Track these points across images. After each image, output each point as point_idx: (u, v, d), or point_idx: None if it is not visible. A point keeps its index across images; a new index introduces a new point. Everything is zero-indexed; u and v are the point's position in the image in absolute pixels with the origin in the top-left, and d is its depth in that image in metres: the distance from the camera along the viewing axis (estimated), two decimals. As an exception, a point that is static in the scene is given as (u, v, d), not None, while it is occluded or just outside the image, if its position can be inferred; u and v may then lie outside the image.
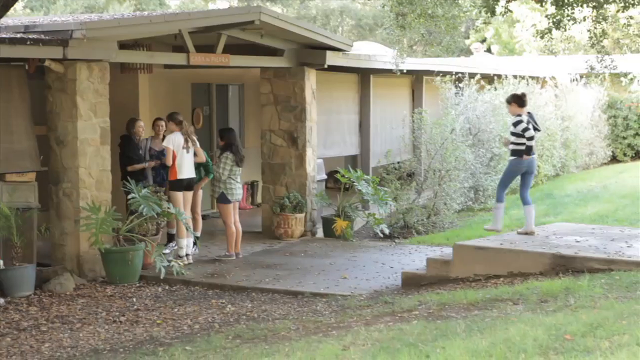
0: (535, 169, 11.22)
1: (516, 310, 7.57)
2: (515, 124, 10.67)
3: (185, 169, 11.94)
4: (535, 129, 10.78)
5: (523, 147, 10.59)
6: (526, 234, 10.67)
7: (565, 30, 12.48)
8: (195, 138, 12.17)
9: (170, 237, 12.43)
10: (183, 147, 11.89)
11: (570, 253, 9.28)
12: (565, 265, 9.11)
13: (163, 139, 12.35)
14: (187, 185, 12.02)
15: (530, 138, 10.54)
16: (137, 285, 10.88)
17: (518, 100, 10.86)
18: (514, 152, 10.70)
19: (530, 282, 8.81)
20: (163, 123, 12.60)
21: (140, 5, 36.67)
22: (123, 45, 11.70)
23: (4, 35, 9.98)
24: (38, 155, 10.99)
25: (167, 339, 8.22)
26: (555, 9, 12.16)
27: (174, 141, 11.85)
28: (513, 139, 10.68)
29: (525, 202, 10.94)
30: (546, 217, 15.51)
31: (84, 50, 10.69)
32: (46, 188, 11.24)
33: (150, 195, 11.30)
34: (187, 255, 11.89)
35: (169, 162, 11.82)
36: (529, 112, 10.88)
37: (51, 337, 8.45)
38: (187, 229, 11.71)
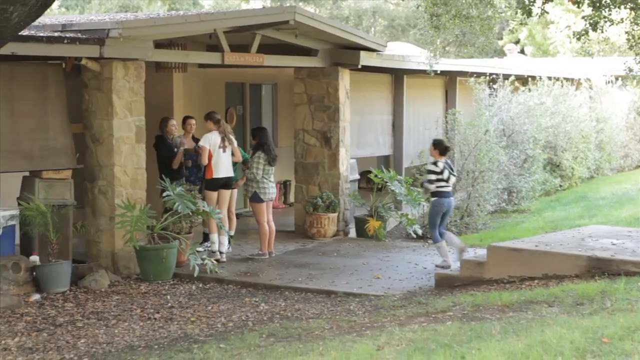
0: (452, 210, 12.30)
1: (552, 312, 7.51)
2: (429, 172, 11.64)
3: (222, 168, 11.98)
4: (452, 175, 11.65)
5: (441, 189, 11.53)
6: (443, 267, 11.32)
7: (602, 32, 12.37)
8: (232, 137, 12.22)
9: (206, 236, 12.50)
10: (220, 147, 11.95)
11: (606, 256, 9.20)
12: (601, 268, 9.03)
13: (193, 138, 12.43)
14: (223, 184, 12.08)
15: (446, 181, 11.50)
16: (171, 282, 10.93)
17: (440, 147, 11.68)
18: (434, 194, 11.58)
19: (566, 284, 8.75)
20: (193, 121, 12.65)
21: (174, 4, 36.86)
22: (158, 45, 11.77)
23: (41, 34, 10.07)
24: (74, 153, 11.08)
25: (202, 336, 8.26)
26: (592, 10, 12.06)
27: (210, 140, 11.91)
28: (434, 181, 11.53)
29: (441, 237, 11.63)
30: (581, 219, 15.41)
31: (120, 49, 10.76)
32: (82, 185, 11.33)
33: (185, 193, 11.36)
34: (220, 252, 11.94)
35: (205, 161, 11.88)
36: (446, 161, 11.71)
37: (87, 333, 8.51)
38: (221, 227, 11.77)
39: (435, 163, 11.58)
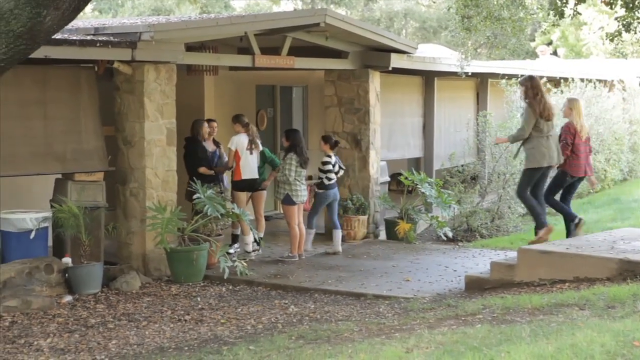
0: (338, 200, 13.32)
1: (582, 315, 7.46)
2: (325, 163, 12.82)
3: (249, 170, 12.19)
4: (341, 168, 13.08)
5: (330, 182, 12.85)
6: (334, 253, 12.77)
7: (635, 33, 12.26)
8: (259, 141, 12.37)
9: (235, 238, 12.55)
10: (247, 149, 12.13)
11: (638, 258, 9.10)
12: (633, 271, 8.95)
13: (214, 141, 12.53)
14: (249, 185, 12.21)
15: (336, 174, 12.95)
16: (202, 284, 10.99)
17: (330, 142, 12.96)
18: (323, 186, 12.81)
19: (597, 287, 8.67)
20: (215, 124, 12.72)
21: (205, 7, 37.05)
22: (189, 48, 11.84)
23: (74, 37, 10.18)
24: (106, 156, 11.17)
25: (231, 338, 8.29)
26: (625, 11, 11.96)
27: (238, 142, 12.09)
28: (322, 175, 12.82)
29: (335, 226, 12.99)
30: (613, 222, 15.28)
31: (152, 52, 10.84)
32: (114, 188, 11.42)
33: (215, 196, 11.43)
34: (246, 252, 12.17)
35: (231, 163, 12.04)
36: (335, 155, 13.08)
37: (118, 334, 8.57)
38: (250, 228, 11.92)
39: (329, 156, 12.79)
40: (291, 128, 14.12)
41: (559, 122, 11.88)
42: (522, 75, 18.56)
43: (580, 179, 11.29)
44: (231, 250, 12.20)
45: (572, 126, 11.00)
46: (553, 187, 11.18)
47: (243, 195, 12.21)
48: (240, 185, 12.25)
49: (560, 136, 10.96)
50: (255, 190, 12.49)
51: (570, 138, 10.92)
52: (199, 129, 12.33)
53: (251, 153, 12.26)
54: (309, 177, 13.52)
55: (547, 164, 10.61)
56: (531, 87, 10.63)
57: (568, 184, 11.19)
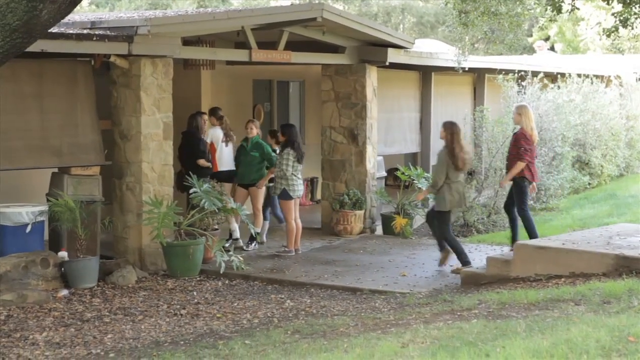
0: None
1: (578, 311, 7.47)
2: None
3: (224, 162, 12.60)
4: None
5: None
6: (260, 243, 12.87)
7: (632, 29, 12.26)
8: (232, 134, 12.83)
9: (250, 236, 12.63)
10: (222, 141, 12.57)
11: (634, 254, 9.12)
12: (628, 267, 8.96)
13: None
14: (226, 177, 12.59)
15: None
16: (198, 279, 10.99)
17: (275, 136, 13.15)
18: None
19: (593, 282, 8.69)
20: (205, 117, 12.79)
21: (202, 2, 37.00)
22: (186, 42, 11.83)
23: (71, 31, 10.16)
24: (102, 150, 11.16)
25: (227, 332, 8.29)
26: (622, 6, 11.96)
27: (213, 135, 12.52)
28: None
29: (267, 218, 13.22)
30: (609, 217, 15.29)
31: (149, 46, 10.83)
32: (110, 182, 11.42)
33: (212, 190, 11.43)
34: (236, 239, 12.37)
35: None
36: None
37: (114, 329, 8.58)
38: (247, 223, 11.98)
39: (274, 151, 12.79)
40: (287, 123, 14.11)
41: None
42: (519, 71, 18.68)
43: (530, 183, 11.37)
44: (226, 244, 12.25)
45: (526, 133, 11.18)
46: (521, 198, 11.29)
47: (225, 186, 12.47)
48: (218, 177, 12.50)
49: (513, 143, 11.23)
50: (231, 181, 12.77)
51: (527, 144, 11.12)
52: (199, 123, 12.34)
53: (226, 145, 12.66)
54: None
55: (449, 207, 11.09)
56: (451, 133, 11.06)
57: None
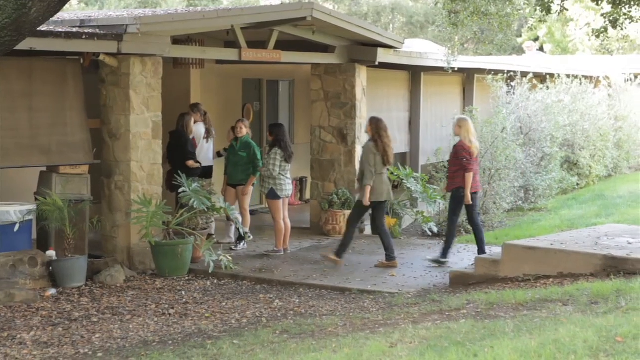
0: None
1: (566, 311, 7.49)
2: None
3: (203, 158, 12.68)
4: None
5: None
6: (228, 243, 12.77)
7: (621, 29, 12.30)
8: (213, 130, 13.04)
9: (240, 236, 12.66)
10: (204, 137, 12.73)
11: (622, 254, 9.16)
12: (616, 267, 8.99)
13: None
14: (205, 172, 12.66)
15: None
16: (186, 278, 10.98)
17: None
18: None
19: (581, 283, 8.71)
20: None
21: (192, 1, 36.94)
22: (176, 41, 11.81)
23: (60, 29, 10.14)
24: (91, 148, 11.13)
25: (216, 332, 8.28)
26: (612, 7, 11.99)
27: (196, 131, 12.67)
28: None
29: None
30: (597, 218, 15.33)
31: (138, 45, 10.81)
32: (98, 181, 11.39)
33: (201, 189, 11.42)
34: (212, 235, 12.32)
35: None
36: None
37: (102, 328, 8.56)
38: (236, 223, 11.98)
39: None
40: (276, 122, 14.11)
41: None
42: (508, 71, 18.72)
43: (476, 194, 11.75)
44: (239, 247, 12.58)
45: (465, 145, 11.52)
46: (456, 208, 11.70)
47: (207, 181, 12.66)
48: (197, 172, 12.52)
49: (453, 155, 11.59)
50: (210, 177, 12.89)
51: (467, 156, 11.44)
52: (187, 123, 12.37)
53: (207, 142, 12.82)
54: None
55: (376, 199, 11.37)
56: (377, 129, 11.39)
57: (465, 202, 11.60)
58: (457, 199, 11.59)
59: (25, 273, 10.02)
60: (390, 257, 11.50)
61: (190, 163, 12.14)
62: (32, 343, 8.01)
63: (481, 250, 11.64)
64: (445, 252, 11.68)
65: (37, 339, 8.14)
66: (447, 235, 11.77)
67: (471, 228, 12.19)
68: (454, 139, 16.99)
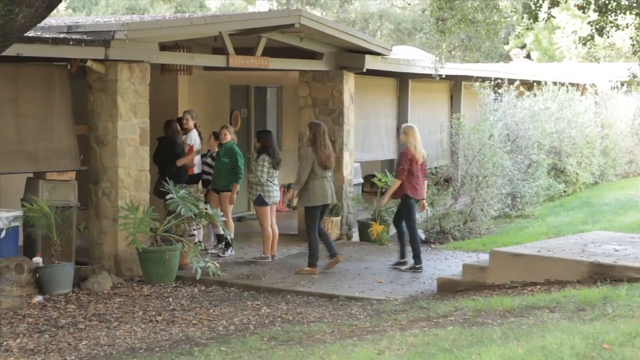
0: None
1: (553, 318, 7.51)
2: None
3: (197, 165, 12.87)
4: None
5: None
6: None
7: (608, 37, 12.36)
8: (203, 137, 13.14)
9: (219, 237, 12.64)
10: (200, 144, 12.92)
11: (608, 262, 9.18)
12: (603, 274, 9.01)
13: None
14: (196, 180, 12.91)
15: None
16: (174, 285, 10.95)
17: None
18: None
19: (568, 290, 8.73)
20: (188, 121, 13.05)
21: (180, 7, 36.93)
22: (164, 47, 11.80)
23: (47, 35, 10.10)
24: (78, 155, 11.10)
25: (203, 339, 8.26)
26: (598, 15, 12.05)
27: (195, 138, 12.75)
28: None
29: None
30: (584, 225, 15.39)
31: (126, 51, 10.79)
32: (85, 187, 11.35)
33: (188, 195, 11.41)
34: (200, 242, 12.36)
35: (192, 158, 12.74)
36: None
37: (88, 335, 8.52)
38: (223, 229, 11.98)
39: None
40: (263, 129, 14.11)
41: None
42: (496, 79, 18.77)
43: (418, 201, 12.04)
44: (214, 251, 12.59)
45: (409, 152, 11.84)
46: (408, 215, 11.96)
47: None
48: (195, 179, 12.84)
49: (397, 162, 11.98)
50: (197, 183, 13.03)
51: (406, 164, 11.77)
52: (176, 128, 12.39)
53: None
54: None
55: (320, 202, 11.54)
56: (315, 134, 11.55)
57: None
58: (407, 206, 11.90)
59: (12, 280, 9.97)
60: (312, 264, 11.61)
61: (180, 161, 12.30)
62: (19, 350, 7.97)
63: (402, 255, 12.05)
64: (418, 258, 11.82)
65: (24, 346, 8.09)
66: (412, 242, 11.92)
67: (396, 230, 12.43)
68: (442, 145, 17.20)
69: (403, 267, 11.92)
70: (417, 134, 11.97)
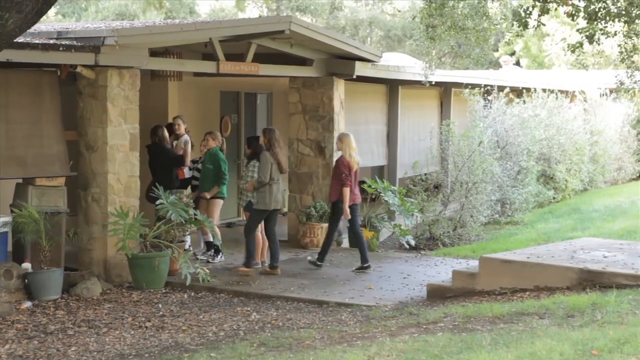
0: None
1: (542, 324, 7.53)
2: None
3: (187, 169, 12.85)
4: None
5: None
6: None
7: (597, 45, 12.41)
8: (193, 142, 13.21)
9: (209, 245, 12.61)
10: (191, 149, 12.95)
11: (597, 268, 9.22)
12: (592, 280, 9.05)
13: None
14: (186, 184, 12.96)
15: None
16: (163, 291, 10.94)
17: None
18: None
19: (557, 296, 8.76)
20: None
21: (170, 13, 36.90)
22: (154, 53, 11.80)
23: (37, 41, 10.09)
24: (68, 160, 11.08)
25: (192, 345, 8.25)
26: (587, 23, 12.11)
27: (187, 143, 12.80)
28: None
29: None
30: (573, 231, 15.43)
31: (116, 57, 10.78)
32: (75, 193, 11.33)
33: (178, 201, 11.40)
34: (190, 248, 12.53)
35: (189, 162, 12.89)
36: None
37: (77, 341, 8.50)
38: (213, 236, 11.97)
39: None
40: (253, 135, 14.11)
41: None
42: (485, 85, 18.82)
43: (356, 205, 12.36)
44: (203, 257, 12.54)
45: (345, 160, 12.15)
46: (337, 219, 12.39)
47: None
48: (185, 183, 12.91)
49: (334, 170, 12.31)
50: (186, 188, 13.04)
51: (346, 170, 12.06)
52: (163, 135, 12.40)
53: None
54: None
55: (273, 207, 11.79)
56: (270, 139, 11.79)
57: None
58: (339, 210, 12.21)
59: (1, 286, 9.94)
60: (248, 264, 11.84)
61: (182, 171, 12.61)
62: (7, 356, 7.94)
63: (363, 259, 12.19)
64: (322, 256, 12.30)
65: (12, 352, 8.07)
66: (326, 241, 12.41)
67: (355, 238, 12.67)
68: (431, 152, 17.22)
69: (319, 263, 12.32)
70: (352, 141, 12.28)
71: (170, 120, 13.95)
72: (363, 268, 12.15)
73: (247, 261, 11.85)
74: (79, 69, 10.84)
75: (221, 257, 12.53)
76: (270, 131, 11.96)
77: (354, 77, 14.45)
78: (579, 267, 9.28)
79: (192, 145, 13.05)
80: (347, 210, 12.08)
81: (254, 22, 13.96)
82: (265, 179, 11.63)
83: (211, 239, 12.40)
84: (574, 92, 24.99)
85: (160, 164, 12.29)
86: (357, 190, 12.39)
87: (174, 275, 11.36)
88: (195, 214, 11.66)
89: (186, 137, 12.91)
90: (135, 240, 10.94)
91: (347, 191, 12.02)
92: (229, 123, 16.38)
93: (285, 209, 12.35)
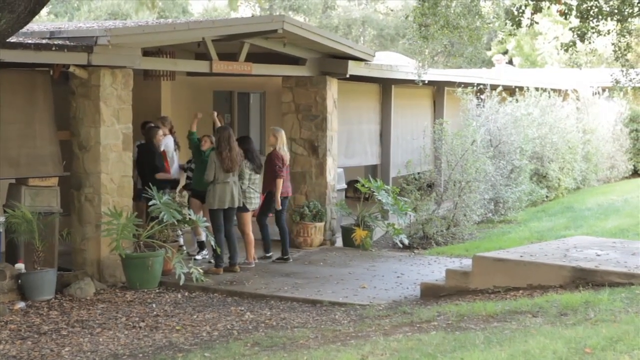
0: None
1: (535, 322, 7.54)
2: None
3: (174, 170, 12.86)
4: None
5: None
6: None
7: (589, 43, 12.43)
8: (179, 142, 13.25)
9: (201, 245, 12.60)
10: (175, 150, 12.93)
11: (590, 266, 9.24)
12: (585, 279, 9.08)
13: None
14: (174, 184, 12.85)
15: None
16: (157, 291, 10.93)
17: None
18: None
19: (550, 294, 8.78)
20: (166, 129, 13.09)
21: (163, 13, 36.87)
22: (146, 52, 11.79)
23: (29, 41, 10.07)
24: (61, 160, 11.06)
25: (186, 345, 8.25)
26: (580, 21, 12.13)
27: (167, 144, 12.71)
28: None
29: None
30: (566, 230, 15.46)
31: (108, 57, 10.77)
32: (68, 193, 11.31)
33: (171, 202, 11.39)
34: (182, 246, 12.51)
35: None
36: None
37: (71, 342, 8.49)
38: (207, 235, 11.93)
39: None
40: (243, 136, 14.10)
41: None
42: (478, 84, 18.85)
43: (286, 198, 12.96)
44: (199, 257, 12.51)
45: (278, 154, 12.62)
46: (266, 209, 12.78)
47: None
48: (173, 183, 12.81)
49: (268, 163, 12.65)
50: (176, 188, 12.95)
51: (279, 162, 12.56)
52: (153, 136, 12.37)
53: (177, 154, 13.04)
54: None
55: (218, 206, 11.74)
56: (219, 138, 11.80)
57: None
58: (269, 202, 12.63)
59: (-6, 286, 9.92)
60: (218, 265, 11.88)
61: (161, 175, 12.17)
62: (1, 357, 7.93)
63: (284, 252, 12.80)
64: (267, 248, 12.84)
65: (6, 353, 8.06)
66: (262, 233, 12.81)
67: (278, 230, 12.98)
68: (424, 151, 17.24)
69: (268, 255, 12.82)
70: (284, 137, 12.86)
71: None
72: (283, 259, 12.73)
73: (216, 262, 11.88)
74: (71, 69, 10.82)
75: (205, 254, 12.58)
76: (222, 130, 11.94)
77: (347, 76, 14.45)
78: (572, 265, 9.31)
79: (177, 146, 13.01)
80: (279, 200, 12.49)
81: (246, 21, 13.94)
82: (209, 179, 11.66)
83: (203, 239, 12.41)
84: (566, 90, 25.03)
85: (149, 167, 12.29)
86: (288, 184, 12.93)
87: (167, 275, 11.36)
88: (188, 214, 11.64)
89: (169, 138, 12.82)
90: (128, 240, 10.92)
91: (280, 182, 12.49)
92: (222, 122, 16.33)
93: (251, 207, 12.28)
